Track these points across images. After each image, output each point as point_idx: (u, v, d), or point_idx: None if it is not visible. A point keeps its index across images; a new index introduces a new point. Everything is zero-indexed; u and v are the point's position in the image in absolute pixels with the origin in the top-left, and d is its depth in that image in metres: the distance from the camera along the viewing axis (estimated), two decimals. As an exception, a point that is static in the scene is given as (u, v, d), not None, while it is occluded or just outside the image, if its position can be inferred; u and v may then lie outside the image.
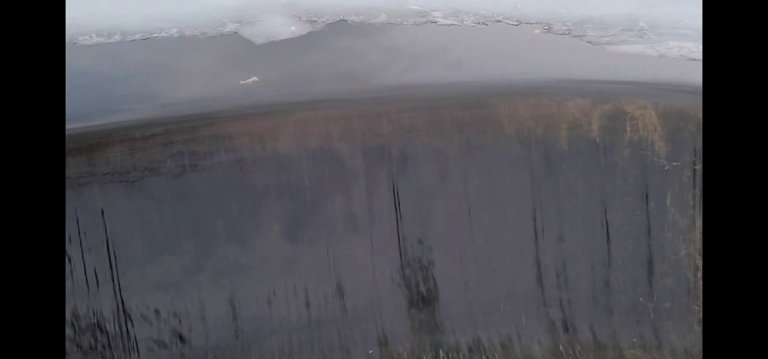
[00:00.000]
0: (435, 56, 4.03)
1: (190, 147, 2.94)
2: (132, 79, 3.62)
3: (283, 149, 3.08)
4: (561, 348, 3.15)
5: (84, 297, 2.79)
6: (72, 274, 2.78)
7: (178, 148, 2.94)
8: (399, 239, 3.15)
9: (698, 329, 3.25)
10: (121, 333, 2.82)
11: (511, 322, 3.17)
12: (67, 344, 2.73)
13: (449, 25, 4.55)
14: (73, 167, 2.80)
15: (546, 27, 4.43)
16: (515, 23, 4.58)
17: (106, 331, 2.79)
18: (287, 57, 4.02)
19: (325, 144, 3.11)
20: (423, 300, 3.15)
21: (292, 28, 4.27)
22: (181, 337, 2.87)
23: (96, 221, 2.81)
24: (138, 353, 2.84)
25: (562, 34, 4.31)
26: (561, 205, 3.28)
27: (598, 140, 3.28)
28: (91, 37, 4.00)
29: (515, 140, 3.29)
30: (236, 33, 4.18)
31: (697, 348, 3.22)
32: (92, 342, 2.77)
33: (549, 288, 3.24)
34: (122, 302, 2.81)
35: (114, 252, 2.81)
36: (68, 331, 2.75)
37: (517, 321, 3.18)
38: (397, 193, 3.15)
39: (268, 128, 3.08)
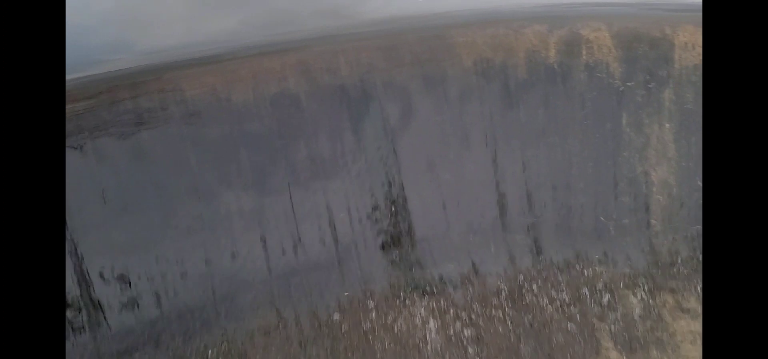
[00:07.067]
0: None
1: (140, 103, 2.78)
2: (104, 29, 3.35)
3: (239, 98, 2.95)
4: (529, 271, 3.24)
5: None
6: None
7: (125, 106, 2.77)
8: (367, 181, 3.11)
9: (654, 241, 3.40)
10: (87, 300, 2.70)
11: (482, 251, 3.22)
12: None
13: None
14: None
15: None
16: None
17: (71, 298, 2.67)
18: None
19: (283, 89, 3.00)
20: (396, 238, 3.15)
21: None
22: (156, 298, 2.78)
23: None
24: (104, 317, 2.74)
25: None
26: (522, 133, 3.30)
27: (556, 66, 3.30)
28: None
29: (474, 71, 3.26)
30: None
31: (652, 258, 3.37)
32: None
33: (515, 215, 3.30)
34: (85, 268, 2.68)
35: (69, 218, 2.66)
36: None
37: (486, 249, 3.24)
38: (362, 134, 3.10)
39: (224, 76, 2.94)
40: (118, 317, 2.72)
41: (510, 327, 3.02)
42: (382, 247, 3.11)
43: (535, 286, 3.17)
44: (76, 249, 2.65)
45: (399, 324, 2.95)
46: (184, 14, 3.54)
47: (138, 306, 2.74)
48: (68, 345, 2.65)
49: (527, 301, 3.12)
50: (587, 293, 3.17)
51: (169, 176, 2.78)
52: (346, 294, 2.97)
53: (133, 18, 3.49)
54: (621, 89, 3.34)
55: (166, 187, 2.77)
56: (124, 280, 2.73)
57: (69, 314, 2.67)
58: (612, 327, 3.05)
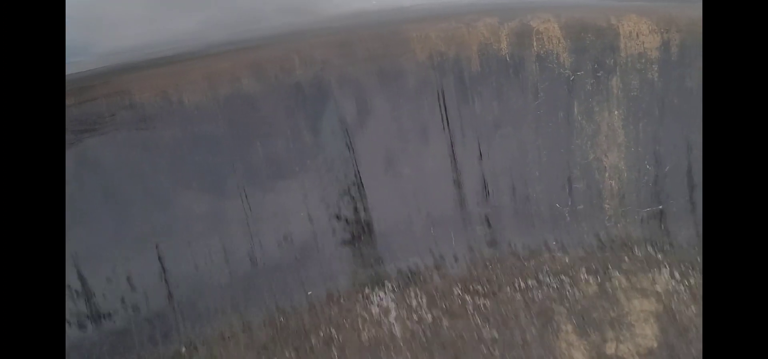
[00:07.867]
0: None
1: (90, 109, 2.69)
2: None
3: (191, 100, 2.89)
4: (489, 259, 3.30)
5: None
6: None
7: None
8: (327, 179, 3.10)
9: (609, 225, 3.51)
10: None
11: (442, 244, 3.26)
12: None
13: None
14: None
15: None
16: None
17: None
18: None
19: (236, 90, 2.95)
20: (358, 236, 3.15)
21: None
22: (110, 312, 2.69)
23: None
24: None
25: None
26: (478, 125, 3.35)
27: (508, 58, 3.36)
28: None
29: (428, 65, 3.29)
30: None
31: (607, 241, 3.47)
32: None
33: (474, 206, 3.35)
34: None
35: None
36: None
37: (447, 241, 3.28)
38: (319, 132, 3.08)
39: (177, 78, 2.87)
40: (68, 331, 2.63)
41: (472, 315, 3.06)
42: (344, 244, 3.11)
43: (495, 274, 3.23)
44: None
45: (362, 319, 2.96)
46: (144, 14, 3.44)
47: (91, 320, 2.66)
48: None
49: (488, 289, 3.18)
50: (546, 278, 3.25)
51: (120, 183, 2.71)
52: (309, 293, 2.96)
53: (91, 18, 3.37)
54: (571, 79, 3.42)
55: (118, 194, 2.70)
56: (75, 293, 2.65)
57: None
58: (570, 309, 3.14)
